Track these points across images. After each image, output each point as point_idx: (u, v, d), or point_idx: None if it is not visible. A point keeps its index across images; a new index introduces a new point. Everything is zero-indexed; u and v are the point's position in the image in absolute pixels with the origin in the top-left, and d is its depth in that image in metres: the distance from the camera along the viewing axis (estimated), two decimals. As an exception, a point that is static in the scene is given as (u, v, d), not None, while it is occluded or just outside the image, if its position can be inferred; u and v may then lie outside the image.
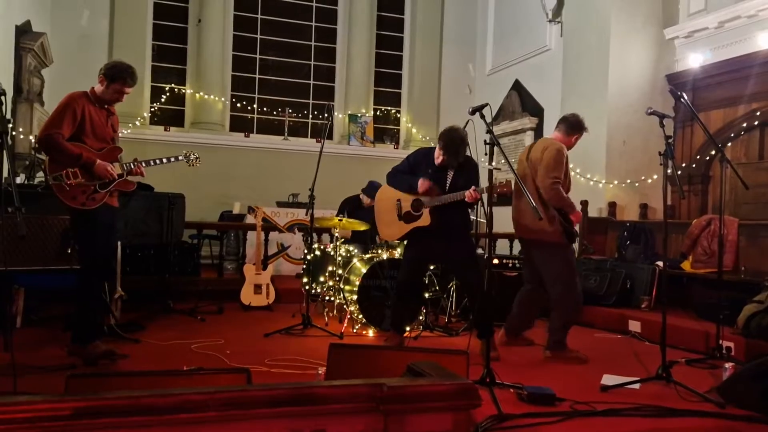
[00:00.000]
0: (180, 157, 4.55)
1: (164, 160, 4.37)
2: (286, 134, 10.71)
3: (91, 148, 3.91)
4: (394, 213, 4.63)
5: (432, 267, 5.99)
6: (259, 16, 11.03)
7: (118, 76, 3.95)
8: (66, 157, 3.80)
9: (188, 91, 10.48)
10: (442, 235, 4.43)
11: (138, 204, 5.53)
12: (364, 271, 5.28)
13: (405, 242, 4.84)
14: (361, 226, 5.99)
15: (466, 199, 4.21)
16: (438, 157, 4.44)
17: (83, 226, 3.93)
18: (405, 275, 4.70)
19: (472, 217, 7.05)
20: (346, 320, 5.32)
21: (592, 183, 7.80)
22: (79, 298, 3.99)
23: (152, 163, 4.28)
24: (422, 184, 4.40)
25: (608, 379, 3.79)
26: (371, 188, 6.58)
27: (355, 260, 5.65)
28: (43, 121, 7.85)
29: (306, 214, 5.42)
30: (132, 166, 4.10)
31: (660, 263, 6.10)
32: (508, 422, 2.95)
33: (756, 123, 6.91)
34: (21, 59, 7.47)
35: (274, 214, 7.74)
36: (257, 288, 6.31)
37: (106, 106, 4.06)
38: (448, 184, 4.47)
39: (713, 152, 7.07)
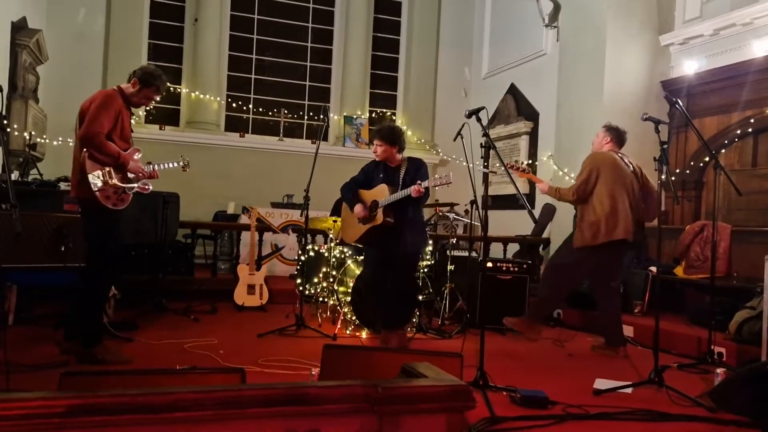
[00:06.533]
0: (181, 163, 4.58)
1: (167, 165, 4.38)
2: (281, 135, 10.70)
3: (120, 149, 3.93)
4: (355, 217, 4.80)
5: (426, 270, 6.00)
6: (255, 17, 11.01)
7: (153, 82, 3.97)
8: (106, 157, 3.80)
9: (184, 90, 10.44)
10: (393, 230, 4.60)
11: (133, 203, 5.49)
12: (358, 272, 5.29)
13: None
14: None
15: (412, 195, 4.37)
16: (375, 152, 4.70)
17: (106, 226, 3.90)
18: (366, 275, 5.01)
19: (466, 221, 7.10)
20: (340, 322, 5.32)
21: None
22: (86, 297, 3.92)
23: (160, 167, 4.31)
24: (357, 209, 4.69)
25: (601, 383, 3.81)
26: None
27: (349, 262, 5.65)
28: (38, 118, 7.87)
29: (300, 215, 5.42)
30: (151, 169, 4.13)
31: (653, 268, 6.13)
32: (500, 425, 2.96)
33: (750, 130, 6.94)
34: (16, 56, 7.43)
35: (269, 214, 7.73)
36: (251, 288, 6.30)
37: (130, 108, 4.08)
38: (400, 182, 4.64)
39: (707, 159, 7.10)
